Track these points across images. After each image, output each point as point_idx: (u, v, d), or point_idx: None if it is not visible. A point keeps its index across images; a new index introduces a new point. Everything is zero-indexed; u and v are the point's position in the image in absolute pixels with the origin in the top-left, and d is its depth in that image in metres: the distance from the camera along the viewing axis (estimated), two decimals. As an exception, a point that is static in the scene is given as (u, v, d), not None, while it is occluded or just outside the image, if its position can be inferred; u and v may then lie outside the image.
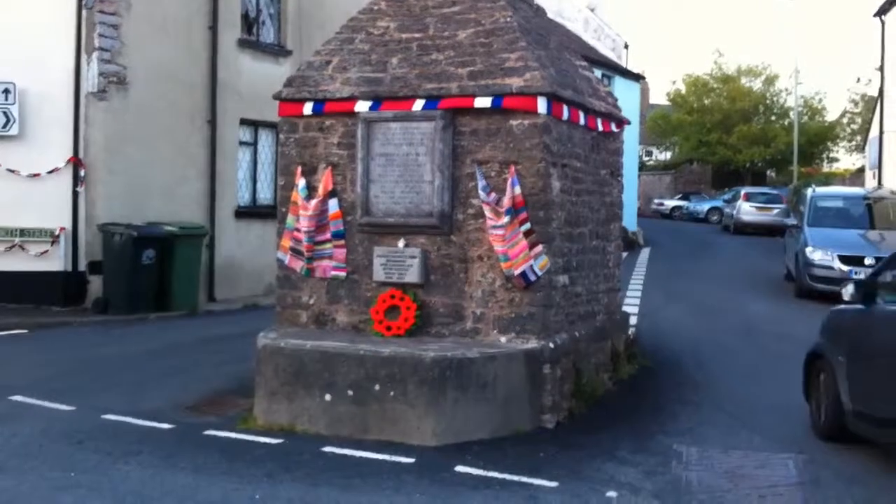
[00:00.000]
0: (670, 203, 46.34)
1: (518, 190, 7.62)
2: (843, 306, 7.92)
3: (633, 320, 12.41)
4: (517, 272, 7.59)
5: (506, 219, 7.55)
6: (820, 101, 52.34)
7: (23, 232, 13.83)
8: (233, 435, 7.29)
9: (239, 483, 6.14)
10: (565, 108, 8.16)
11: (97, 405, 8.08)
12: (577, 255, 8.70)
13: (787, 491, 6.37)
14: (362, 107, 8.12)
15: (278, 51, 17.46)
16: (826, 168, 54.12)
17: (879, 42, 28.54)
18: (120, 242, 13.52)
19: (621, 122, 10.08)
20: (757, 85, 52.28)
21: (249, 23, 17.17)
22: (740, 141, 48.52)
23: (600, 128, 9.26)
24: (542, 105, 7.72)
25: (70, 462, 6.54)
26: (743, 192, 35.25)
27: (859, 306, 7.50)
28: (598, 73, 28.02)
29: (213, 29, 15.82)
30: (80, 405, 8.10)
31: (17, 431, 7.33)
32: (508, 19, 8.22)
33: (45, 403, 8.16)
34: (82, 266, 13.99)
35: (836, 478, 6.61)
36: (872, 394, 6.85)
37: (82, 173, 13.87)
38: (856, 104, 49.61)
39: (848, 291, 7.63)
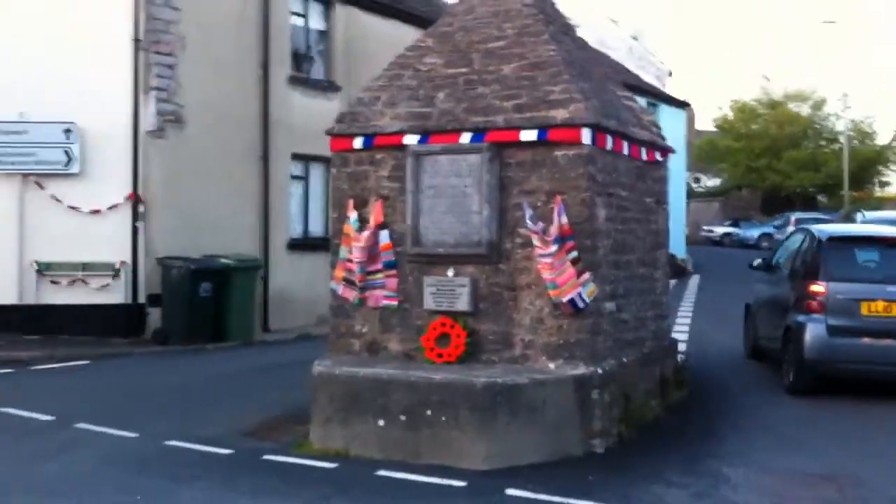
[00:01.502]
0: (720, 230, 46.06)
1: (565, 219, 7.79)
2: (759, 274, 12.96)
3: (682, 346, 12.47)
4: (565, 299, 7.74)
5: (553, 247, 7.72)
6: (870, 125, 51.76)
7: (85, 266, 14.30)
8: (289, 459, 7.52)
9: (297, 504, 6.37)
10: (609, 138, 8.34)
11: (158, 432, 8.35)
12: (624, 282, 8.83)
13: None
14: (411, 140, 8.38)
15: (328, 87, 17.90)
16: (878, 192, 53.39)
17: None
18: (178, 275, 13.93)
19: (665, 151, 10.22)
20: (805, 110, 51.91)
21: (299, 60, 17.64)
22: (789, 166, 48.16)
23: (644, 157, 9.42)
24: (586, 136, 7.91)
25: (134, 486, 6.80)
26: (793, 217, 34.97)
27: (764, 273, 12.74)
28: (642, 101, 28.18)
29: (265, 67, 16.30)
30: (141, 432, 8.37)
31: (83, 457, 7.66)
32: (552, 53, 8.44)
33: (108, 430, 8.46)
34: (142, 298, 14.41)
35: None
36: (761, 326, 12.26)
37: (141, 209, 14.34)
38: (907, 127, 48.97)
39: (756, 262, 13.11)
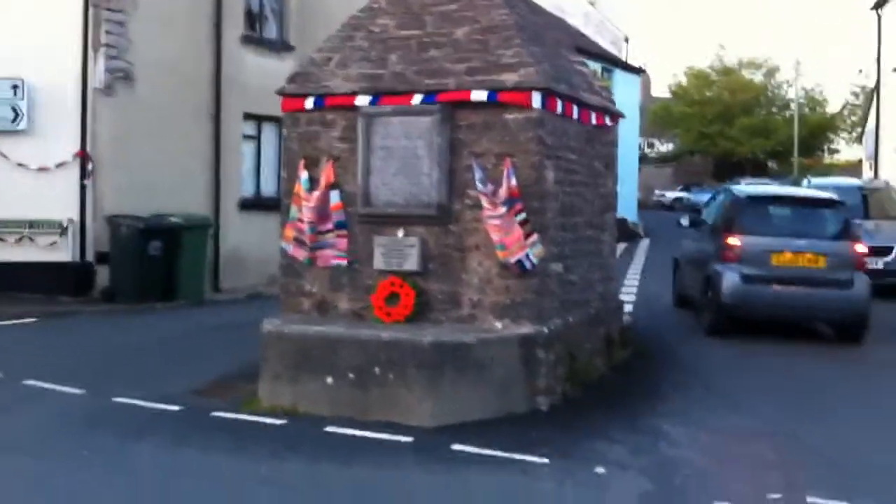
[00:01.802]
0: (671, 195, 46.64)
1: (514, 181, 7.89)
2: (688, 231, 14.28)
3: (629, 308, 12.73)
4: (513, 260, 7.87)
5: (502, 209, 7.83)
6: (821, 92, 52.67)
7: (32, 224, 14.12)
8: (239, 416, 7.60)
9: (246, 459, 6.47)
10: (559, 102, 8.45)
11: (107, 389, 8.34)
12: (572, 244, 8.98)
13: (769, 467, 6.68)
14: (362, 101, 8.40)
15: (281, 46, 17.74)
16: (828, 159, 54.37)
17: (876, 36, 28.77)
18: (127, 234, 13.83)
19: (616, 116, 10.36)
20: (758, 77, 52.57)
21: (252, 19, 17.47)
22: (741, 133, 48.82)
23: (594, 121, 9.54)
24: (536, 100, 8.00)
25: (84, 441, 6.86)
26: (743, 183, 35.42)
27: (691, 230, 14.11)
28: (598, 66, 28.34)
29: (217, 25, 16.11)
30: (91, 389, 8.37)
31: (32, 413, 7.68)
32: (504, 17, 8.48)
33: (57, 387, 8.44)
34: (90, 257, 14.29)
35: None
36: (686, 277, 13.70)
37: (90, 167, 14.17)
38: (857, 96, 49.80)
39: (683, 220, 14.48)
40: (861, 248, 12.15)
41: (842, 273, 11.68)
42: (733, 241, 11.75)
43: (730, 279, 11.57)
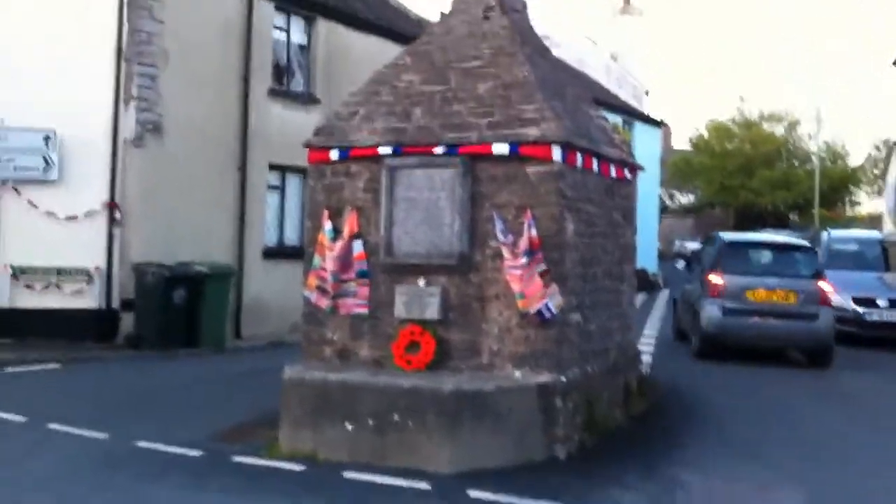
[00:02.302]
0: (691, 245, 46.53)
1: (534, 232, 8.04)
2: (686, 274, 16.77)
3: (647, 359, 12.76)
4: (533, 310, 7.98)
5: (523, 260, 7.97)
6: (843, 145, 52.67)
7: (59, 271, 14.39)
8: (259, 461, 7.69)
9: (265, 503, 6.56)
10: (579, 155, 8.62)
11: (130, 434, 8.48)
12: (591, 294, 9.08)
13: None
14: (386, 152, 8.61)
15: (307, 99, 18.12)
16: (849, 212, 54.24)
17: (897, 90, 28.87)
18: (152, 281, 14.06)
19: (635, 169, 10.51)
20: (779, 130, 52.72)
21: (280, 73, 17.87)
22: (762, 185, 48.86)
23: (614, 174, 9.70)
24: (556, 153, 8.17)
25: (106, 484, 6.98)
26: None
27: (687, 272, 16.52)
28: (618, 119, 28.66)
29: (246, 79, 16.51)
30: (113, 433, 8.51)
31: (56, 456, 7.80)
32: (526, 74, 8.70)
33: (80, 431, 8.59)
34: (115, 304, 14.52)
35: None
36: (682, 313, 15.77)
37: (118, 216, 14.47)
38: (879, 149, 49.82)
39: (679, 264, 17.09)
40: (826, 286, 14.11)
41: (809, 307, 13.63)
42: (715, 279, 13.88)
43: (712, 311, 13.71)
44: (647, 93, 39.38)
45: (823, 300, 13.88)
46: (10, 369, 12.26)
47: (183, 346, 14.23)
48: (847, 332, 16.09)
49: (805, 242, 15.66)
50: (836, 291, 16.09)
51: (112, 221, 14.47)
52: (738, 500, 7.13)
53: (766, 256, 14.69)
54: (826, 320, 13.70)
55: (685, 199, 62.27)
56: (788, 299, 13.69)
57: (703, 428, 9.54)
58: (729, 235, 16.28)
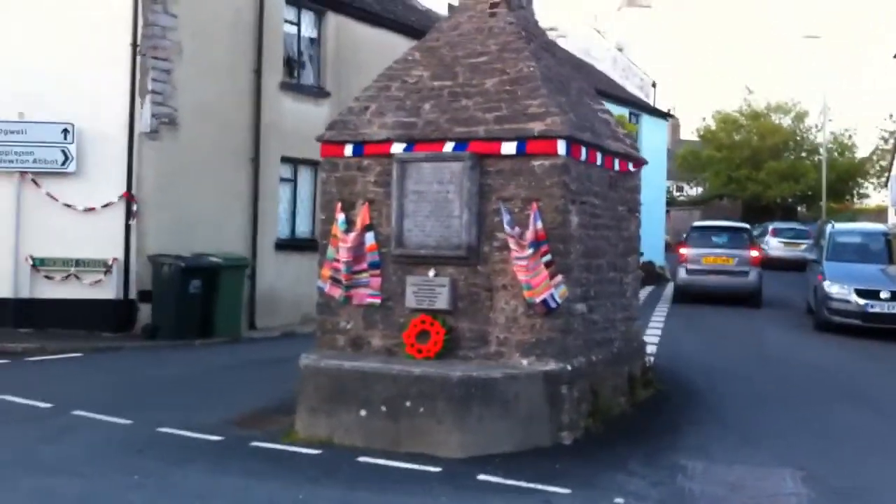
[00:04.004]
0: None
1: (540, 224, 8.32)
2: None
3: (653, 349, 13.03)
4: (539, 300, 8.27)
5: (529, 251, 8.25)
6: (850, 137, 52.61)
7: (78, 262, 14.71)
8: (277, 446, 8.01)
9: (284, 486, 6.88)
10: (583, 149, 8.89)
11: (152, 420, 8.81)
12: (595, 285, 9.37)
13: (782, 499, 6.98)
14: (397, 148, 8.89)
15: (318, 92, 18.39)
16: (857, 204, 54.27)
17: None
18: (169, 272, 14.38)
19: (638, 162, 10.77)
20: (786, 122, 52.74)
21: (291, 66, 18.14)
22: (770, 177, 48.93)
23: (617, 167, 9.97)
24: (561, 147, 8.45)
25: (133, 467, 7.30)
26: (771, 227, 35.58)
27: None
28: (625, 111, 28.83)
29: (258, 72, 16.78)
30: (136, 419, 8.85)
31: (82, 440, 8.16)
32: (531, 69, 8.98)
33: (104, 417, 8.94)
34: (133, 294, 14.84)
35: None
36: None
37: (135, 207, 14.79)
38: (885, 141, 49.84)
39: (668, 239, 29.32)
40: (755, 253, 21.42)
41: (743, 267, 21.04)
42: (683, 250, 21.96)
43: (681, 272, 21.84)
44: (654, 84, 39.45)
45: (753, 262, 21.12)
46: (32, 358, 12.63)
47: (199, 337, 14.55)
48: (850, 325, 16.35)
49: (744, 225, 24.80)
50: (836, 282, 16.85)
51: (129, 213, 14.78)
52: (737, 482, 7.40)
53: (717, 235, 22.19)
54: (754, 276, 21.01)
55: (693, 191, 62.36)
56: (729, 262, 21.10)
57: (706, 416, 9.81)
58: (696, 223, 25.04)
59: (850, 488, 7.35)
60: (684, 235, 23.13)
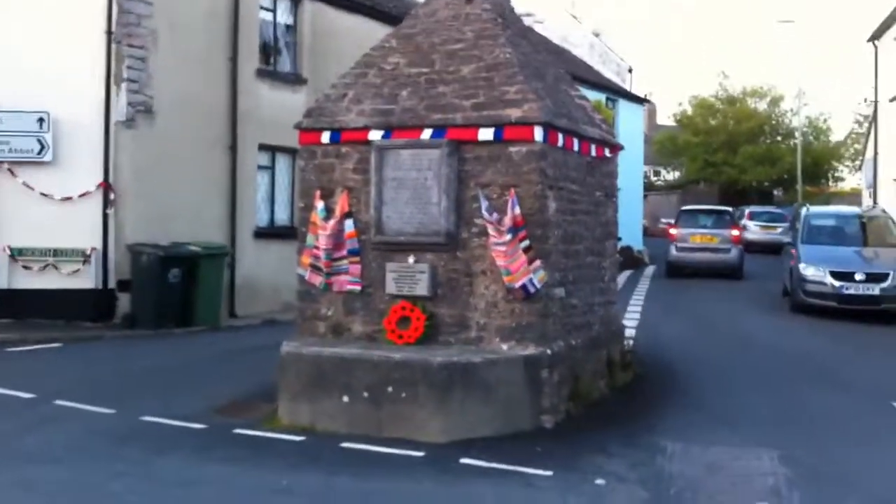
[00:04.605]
0: (677, 222, 46.93)
1: (518, 210, 8.39)
2: None
3: (631, 332, 13.16)
4: (518, 285, 8.35)
5: (507, 237, 8.32)
6: (825, 121, 53.03)
7: (56, 252, 14.62)
8: (260, 433, 8.06)
9: (268, 472, 6.94)
10: (560, 135, 8.96)
11: (134, 409, 8.84)
12: (574, 269, 9.45)
13: (758, 478, 7.11)
14: (375, 136, 8.92)
15: (294, 79, 18.34)
16: (832, 187, 54.72)
17: (873, 67, 29.32)
18: (147, 261, 14.35)
19: (615, 148, 10.85)
20: (762, 106, 53.06)
21: (267, 53, 18.07)
22: (746, 161, 49.25)
23: (594, 153, 10.04)
24: (538, 134, 8.52)
25: (116, 455, 7.34)
26: (747, 211, 35.84)
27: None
28: (602, 96, 28.92)
29: (234, 60, 16.70)
30: (118, 409, 8.86)
31: (64, 430, 8.17)
32: (508, 55, 9.02)
33: (86, 407, 8.93)
34: (112, 284, 14.77)
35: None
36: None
37: (112, 196, 14.72)
38: (860, 125, 50.25)
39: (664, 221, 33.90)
40: (735, 232, 24.54)
41: (726, 245, 24.06)
42: (673, 231, 25.03)
43: (671, 251, 24.71)
44: (630, 70, 39.58)
45: (735, 241, 24.24)
46: (12, 349, 12.58)
47: (179, 325, 14.52)
48: (826, 307, 16.55)
49: (727, 208, 27.96)
50: (811, 265, 17.05)
51: (106, 202, 14.71)
52: (715, 462, 7.52)
53: (703, 216, 25.36)
54: (736, 253, 24.10)
55: (671, 175, 62.67)
56: (713, 241, 24.09)
57: (684, 398, 9.94)
58: (685, 207, 28.52)
59: (826, 468, 7.49)
60: (673, 220, 26.65)
